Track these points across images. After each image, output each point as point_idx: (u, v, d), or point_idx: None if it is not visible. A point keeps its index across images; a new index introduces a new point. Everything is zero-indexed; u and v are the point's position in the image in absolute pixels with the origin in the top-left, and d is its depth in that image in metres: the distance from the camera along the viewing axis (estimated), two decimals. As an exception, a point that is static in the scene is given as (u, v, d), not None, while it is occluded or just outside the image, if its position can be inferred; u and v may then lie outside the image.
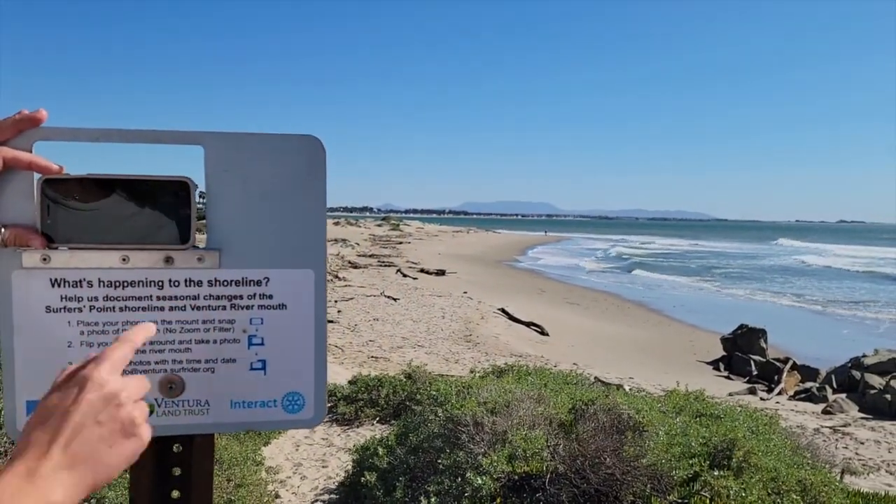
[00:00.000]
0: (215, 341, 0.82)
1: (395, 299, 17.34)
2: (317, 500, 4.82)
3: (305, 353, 0.85)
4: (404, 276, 24.28)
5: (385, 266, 27.97)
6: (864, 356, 11.25)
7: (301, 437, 5.93)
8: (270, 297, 0.83)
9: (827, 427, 7.77)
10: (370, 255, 33.24)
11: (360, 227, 68.63)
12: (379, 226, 74.65)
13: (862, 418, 8.49)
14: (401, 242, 48.08)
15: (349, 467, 4.57)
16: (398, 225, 76.80)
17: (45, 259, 0.77)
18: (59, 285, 0.78)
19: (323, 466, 5.41)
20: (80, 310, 0.79)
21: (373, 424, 6.41)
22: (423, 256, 35.31)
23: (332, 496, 4.75)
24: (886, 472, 6.12)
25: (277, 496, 4.74)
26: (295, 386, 0.85)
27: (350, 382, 7.00)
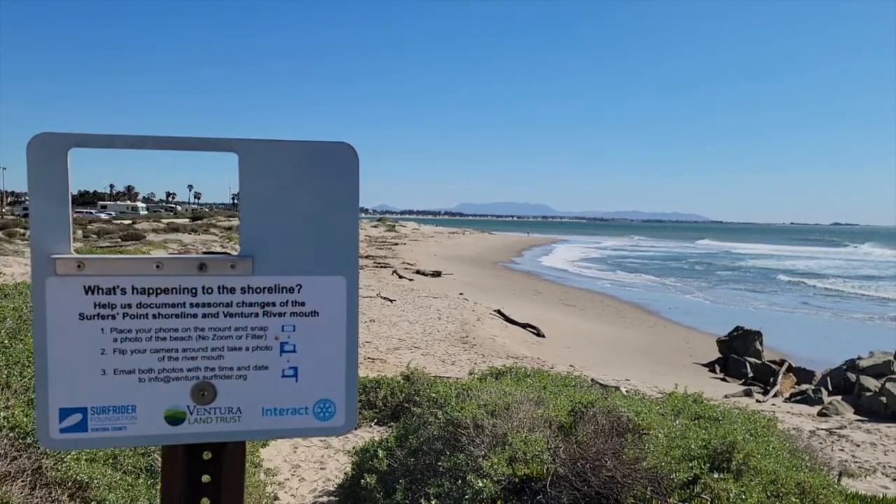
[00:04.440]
0: (248, 348, 0.82)
1: (391, 301, 17.33)
2: (316, 503, 4.81)
3: (337, 361, 0.85)
4: (400, 277, 24.27)
5: (381, 267, 27.94)
6: (859, 358, 11.31)
7: (299, 439, 5.93)
8: (303, 304, 0.83)
9: (823, 429, 7.81)
10: (366, 257, 33.21)
11: (355, 227, 68.34)
12: (375, 227, 74.57)
13: (857, 420, 8.53)
14: (396, 244, 48.03)
15: (348, 469, 4.57)
16: (394, 226, 76.74)
17: (79, 266, 0.77)
18: (92, 292, 0.78)
19: (321, 468, 5.40)
20: (114, 317, 0.79)
21: (371, 426, 6.40)
22: (419, 258, 35.28)
23: (331, 498, 4.74)
24: (883, 474, 6.15)
25: (276, 498, 4.73)
26: (326, 393, 0.85)
27: (348, 384, 7.00)
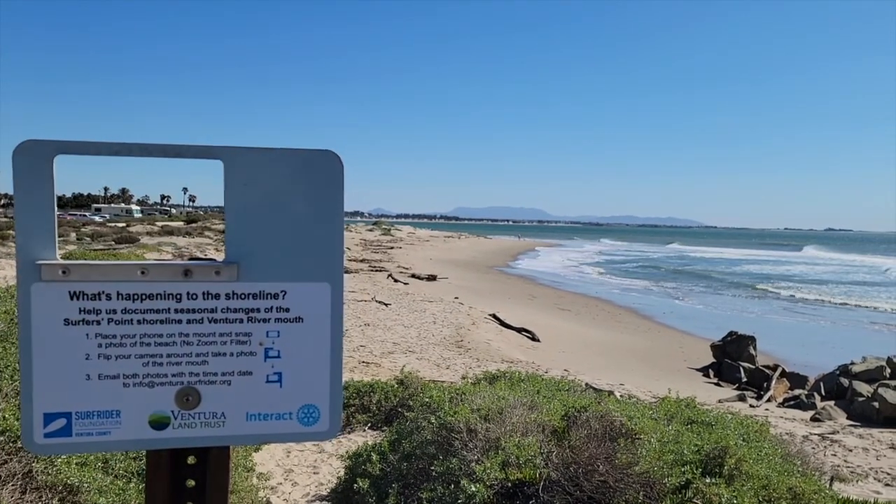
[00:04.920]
0: (232, 354, 0.82)
1: (386, 304, 17.31)
2: (308, 507, 4.80)
3: (321, 366, 0.85)
4: (395, 281, 24.26)
5: (376, 271, 27.93)
6: (852, 364, 11.35)
7: (292, 443, 5.91)
8: (287, 310, 0.83)
9: (816, 434, 7.83)
10: (361, 260, 33.17)
11: (351, 231, 68.50)
12: (370, 230, 74.59)
13: (850, 425, 8.55)
14: (392, 247, 48.02)
15: (341, 474, 4.56)
16: (389, 230, 76.79)
17: (64, 272, 0.77)
18: (77, 298, 0.78)
19: (314, 473, 5.39)
20: (99, 322, 0.78)
21: (364, 430, 6.39)
22: (415, 261, 35.29)
23: (324, 503, 4.73)
24: (875, 479, 6.17)
25: (269, 503, 4.72)
26: (310, 399, 0.85)
27: (342, 388, 6.98)
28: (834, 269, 50.32)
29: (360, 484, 3.79)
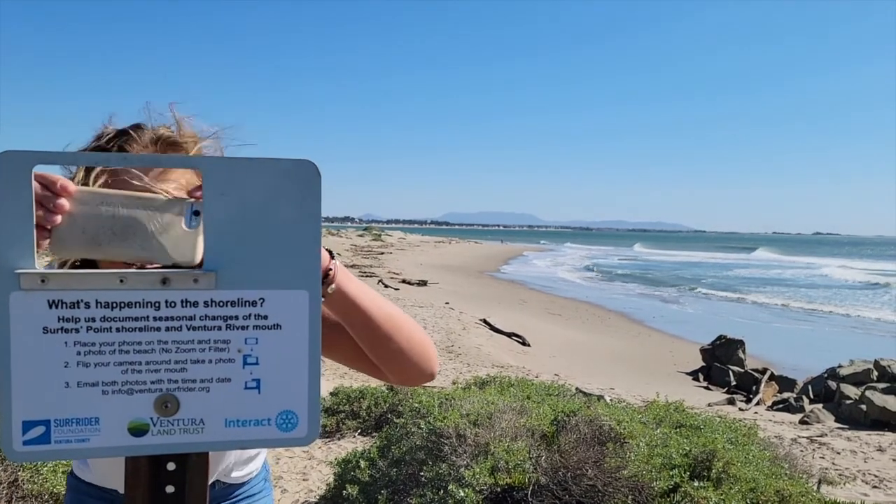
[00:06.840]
0: (211, 361, 0.82)
1: (376, 310, 17.28)
2: (298, 514, 4.79)
3: (299, 373, 0.86)
4: (386, 286, 24.23)
5: (367, 276, 27.89)
6: (840, 366, 11.44)
7: (281, 450, 5.89)
8: (265, 317, 0.84)
9: (804, 437, 7.88)
10: (352, 266, 33.12)
11: (341, 237, 68.38)
12: (360, 236, 74.51)
13: (838, 428, 8.62)
14: (382, 253, 47.97)
15: (330, 480, 4.55)
16: (380, 235, 76.76)
17: (43, 280, 0.78)
18: (56, 306, 0.78)
19: (304, 479, 5.37)
20: (77, 330, 0.79)
21: (354, 437, 6.38)
22: (405, 267, 35.26)
23: (314, 509, 4.72)
24: (862, 481, 6.22)
25: (258, 510, 4.70)
26: (289, 405, 0.86)
27: (331, 394, 6.97)
28: (765, 269, 53.62)
29: (350, 490, 3.78)
